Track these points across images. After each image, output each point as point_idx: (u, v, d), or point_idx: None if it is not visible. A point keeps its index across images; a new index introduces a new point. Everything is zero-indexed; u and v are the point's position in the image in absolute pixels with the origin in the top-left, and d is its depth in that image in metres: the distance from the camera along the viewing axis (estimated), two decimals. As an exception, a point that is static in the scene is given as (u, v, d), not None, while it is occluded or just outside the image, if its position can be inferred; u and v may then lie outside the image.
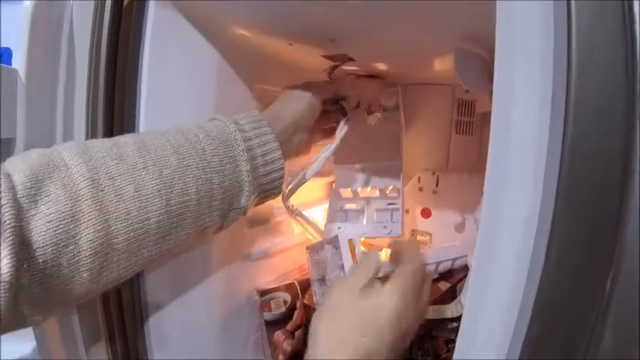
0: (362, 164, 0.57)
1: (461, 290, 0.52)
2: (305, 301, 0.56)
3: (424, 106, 0.63)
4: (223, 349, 0.52)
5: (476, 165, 0.60)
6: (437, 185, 0.59)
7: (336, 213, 0.57)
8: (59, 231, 0.27)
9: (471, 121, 0.62)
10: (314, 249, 0.52)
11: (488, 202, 0.27)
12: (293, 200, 0.54)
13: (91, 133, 0.41)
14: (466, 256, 0.52)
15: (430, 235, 0.59)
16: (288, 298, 0.56)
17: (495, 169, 0.27)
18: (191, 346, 0.48)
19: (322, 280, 0.53)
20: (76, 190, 0.29)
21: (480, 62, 0.44)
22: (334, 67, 0.54)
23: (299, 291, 0.57)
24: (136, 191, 0.31)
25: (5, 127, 0.37)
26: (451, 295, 0.53)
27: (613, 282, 0.22)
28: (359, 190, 0.56)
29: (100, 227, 0.29)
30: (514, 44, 0.26)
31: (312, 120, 0.47)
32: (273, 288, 0.56)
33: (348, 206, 0.57)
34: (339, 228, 0.54)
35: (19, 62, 0.39)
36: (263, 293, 0.55)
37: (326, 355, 0.33)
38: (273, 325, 0.55)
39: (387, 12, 0.37)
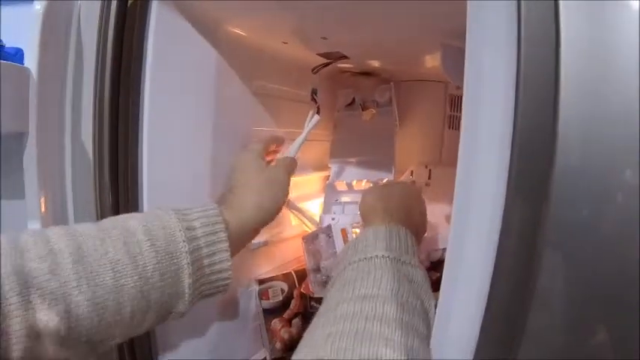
0: (356, 158, 0.60)
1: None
2: (302, 290, 0.58)
3: (418, 102, 0.65)
4: (222, 336, 0.54)
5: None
6: (429, 178, 0.61)
7: (332, 205, 0.59)
8: None
9: (463, 116, 0.64)
10: (309, 239, 0.55)
11: (459, 197, 0.29)
12: (291, 194, 0.56)
13: (98, 128, 0.43)
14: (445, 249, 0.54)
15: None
16: (286, 287, 0.58)
17: (465, 168, 0.29)
18: (190, 332, 0.51)
19: (318, 270, 0.55)
20: (8, 304, 0.28)
21: (464, 57, 0.46)
22: (325, 65, 0.56)
23: (296, 281, 0.59)
24: (66, 312, 0.30)
25: (19, 123, 0.40)
26: (440, 285, 0.55)
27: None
28: (354, 183, 0.58)
29: (29, 345, 0.29)
30: (483, 39, 0.28)
31: (281, 208, 0.47)
32: (272, 277, 0.58)
33: (343, 199, 0.59)
34: (332, 219, 0.56)
35: (31, 61, 0.42)
36: (261, 282, 0.57)
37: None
38: (270, 313, 0.57)
39: (373, 10, 0.39)
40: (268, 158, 0.52)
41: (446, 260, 0.30)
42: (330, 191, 0.60)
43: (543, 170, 0.23)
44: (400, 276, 0.34)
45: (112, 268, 0.33)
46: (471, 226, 0.28)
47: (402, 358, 0.26)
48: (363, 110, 0.61)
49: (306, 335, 0.31)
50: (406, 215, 0.44)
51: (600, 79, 0.22)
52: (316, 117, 0.53)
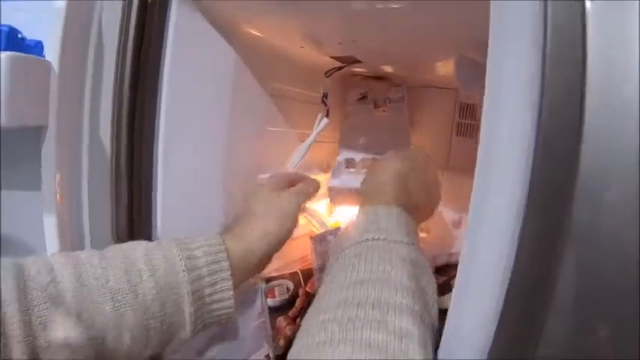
0: (367, 145, 0.60)
1: (455, 284, 0.55)
2: (307, 289, 0.59)
3: (427, 107, 0.66)
4: (227, 332, 0.54)
5: (475, 166, 0.62)
6: (436, 184, 0.62)
7: (341, 173, 0.59)
8: None
9: (472, 124, 0.65)
10: (317, 240, 0.55)
11: (475, 203, 0.29)
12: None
13: (117, 124, 0.44)
14: (452, 253, 0.55)
15: (429, 230, 0.61)
16: (292, 285, 0.59)
17: (482, 174, 0.29)
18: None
19: (324, 270, 0.56)
20: (10, 330, 0.28)
21: (478, 68, 0.47)
22: (339, 69, 0.57)
23: (302, 279, 0.60)
24: (66, 340, 0.31)
25: (38, 116, 0.40)
26: (446, 288, 0.56)
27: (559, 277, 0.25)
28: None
29: None
30: (505, 51, 0.28)
31: (286, 240, 0.46)
32: (278, 276, 0.59)
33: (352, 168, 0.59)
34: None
35: (50, 54, 0.42)
36: (268, 280, 0.58)
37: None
38: (276, 311, 0.58)
39: (391, 16, 0.40)
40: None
41: (460, 260, 0.30)
42: (339, 164, 0.59)
43: (567, 176, 0.24)
44: (392, 256, 0.33)
45: (111, 298, 0.33)
46: (487, 230, 0.29)
47: (394, 338, 0.26)
48: (375, 108, 0.62)
49: (304, 322, 0.31)
50: (402, 188, 0.42)
51: (630, 86, 0.22)
52: (325, 120, 0.54)
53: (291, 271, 0.60)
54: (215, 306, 0.40)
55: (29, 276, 0.31)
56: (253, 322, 0.59)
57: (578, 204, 0.24)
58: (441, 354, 0.31)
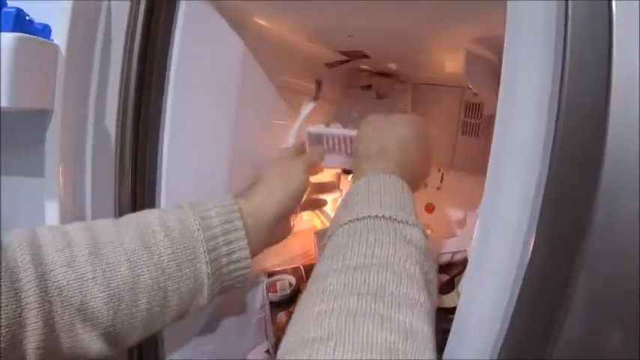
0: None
1: (459, 283, 0.55)
2: (309, 285, 0.59)
3: (433, 105, 0.66)
4: (228, 326, 0.54)
5: (480, 165, 0.62)
6: (441, 182, 0.62)
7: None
8: (8, 336, 0.27)
9: (477, 123, 0.65)
10: (322, 235, 0.55)
11: (487, 200, 0.29)
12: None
13: (122, 111, 0.43)
14: (465, 250, 0.54)
15: (432, 229, 0.61)
16: (294, 281, 0.59)
17: (495, 172, 0.29)
18: (195, 320, 0.51)
19: None
20: (25, 296, 0.28)
21: (488, 66, 0.47)
22: (343, 62, 0.57)
23: (304, 275, 0.59)
24: (82, 304, 0.30)
25: (44, 99, 0.40)
26: (449, 287, 0.55)
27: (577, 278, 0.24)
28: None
29: (45, 337, 0.29)
30: (521, 48, 0.28)
31: (299, 203, 0.45)
32: (281, 270, 0.58)
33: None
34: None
35: (58, 38, 0.41)
36: (270, 275, 0.57)
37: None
38: (277, 306, 0.57)
39: (402, 10, 0.39)
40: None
41: (470, 259, 0.30)
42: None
43: (586, 179, 0.23)
44: (396, 238, 0.30)
45: (127, 259, 0.33)
46: (498, 229, 0.29)
47: (399, 338, 0.23)
48: (377, 98, 0.62)
49: (297, 311, 0.28)
50: (405, 156, 0.40)
51: None
52: (311, 104, 0.53)
53: (294, 266, 0.60)
54: (232, 266, 0.39)
55: (44, 241, 0.31)
56: (254, 316, 0.59)
57: (598, 205, 0.23)
58: (447, 354, 0.31)
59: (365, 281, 0.26)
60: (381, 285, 0.26)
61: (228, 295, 0.52)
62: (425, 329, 0.25)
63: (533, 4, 0.27)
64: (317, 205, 0.56)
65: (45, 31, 0.42)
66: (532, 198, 0.27)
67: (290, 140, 0.53)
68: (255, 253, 0.41)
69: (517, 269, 0.27)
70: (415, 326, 0.25)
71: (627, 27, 0.23)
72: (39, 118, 0.41)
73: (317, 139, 0.51)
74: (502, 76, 0.29)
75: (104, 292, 0.31)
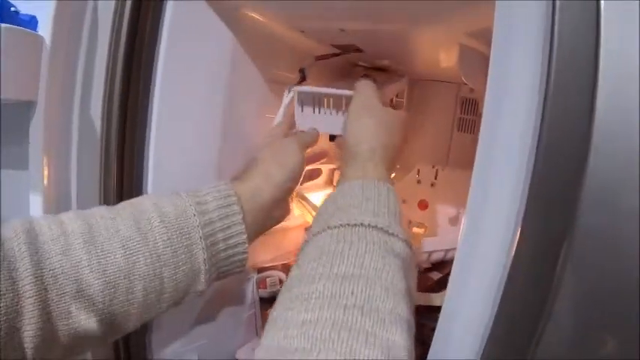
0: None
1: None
2: (300, 282, 0.58)
3: (429, 102, 0.65)
4: (216, 322, 0.54)
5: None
6: (435, 178, 0.61)
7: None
8: (5, 325, 0.27)
9: (473, 119, 0.64)
10: None
11: (473, 198, 0.29)
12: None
13: (108, 103, 0.42)
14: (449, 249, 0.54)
15: (425, 226, 0.60)
16: (284, 277, 0.58)
17: (481, 170, 0.29)
18: (184, 316, 0.50)
19: None
20: (22, 285, 0.28)
21: (482, 59, 0.46)
22: (334, 55, 0.55)
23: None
24: (78, 291, 0.30)
25: (28, 91, 0.39)
26: (442, 285, 0.55)
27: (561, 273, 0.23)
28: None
29: (41, 325, 0.29)
30: (510, 43, 0.28)
31: (296, 184, 0.45)
32: (270, 266, 0.58)
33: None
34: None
35: (44, 30, 0.41)
36: (260, 271, 0.57)
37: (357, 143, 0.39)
38: (267, 302, 0.57)
39: (392, 7, 0.39)
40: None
41: (455, 259, 0.30)
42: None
43: (572, 180, 0.23)
44: (387, 251, 0.30)
45: (122, 246, 0.33)
46: (484, 232, 0.28)
47: (382, 356, 0.23)
48: None
49: (278, 311, 0.28)
50: (393, 155, 0.41)
51: None
52: (291, 94, 0.51)
53: (284, 262, 0.59)
54: (230, 252, 0.38)
55: (40, 230, 0.31)
56: (244, 313, 0.58)
57: (583, 207, 0.23)
58: (432, 354, 0.31)
59: (352, 293, 0.26)
60: (368, 298, 0.26)
61: (217, 289, 0.53)
62: (406, 346, 0.26)
63: (523, 4, 0.26)
64: (312, 176, 0.54)
65: (31, 22, 0.42)
66: (519, 197, 0.26)
67: (277, 121, 0.51)
68: (252, 237, 0.41)
69: (503, 269, 0.26)
70: (398, 344, 0.25)
71: (615, 25, 0.22)
72: (24, 109, 0.40)
73: (306, 99, 0.49)
74: (489, 76, 0.28)
75: (100, 279, 0.31)
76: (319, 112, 0.49)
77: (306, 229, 0.55)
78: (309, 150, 0.48)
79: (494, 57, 0.28)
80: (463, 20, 0.41)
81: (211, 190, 0.39)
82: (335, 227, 0.31)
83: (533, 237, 0.25)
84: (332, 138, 0.50)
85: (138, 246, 0.33)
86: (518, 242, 0.25)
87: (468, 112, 0.63)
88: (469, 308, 0.29)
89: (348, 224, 0.31)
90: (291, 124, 0.50)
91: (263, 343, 0.26)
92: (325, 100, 0.48)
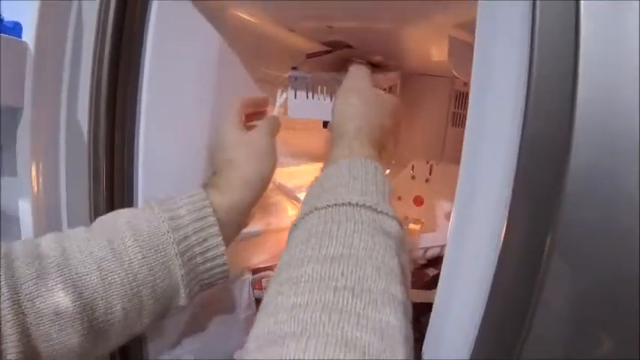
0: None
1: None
2: (296, 282, 0.58)
3: (422, 97, 0.64)
4: (213, 325, 0.53)
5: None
6: (430, 174, 0.60)
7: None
8: None
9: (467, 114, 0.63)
10: None
11: (460, 199, 0.28)
12: (290, 183, 0.56)
13: (95, 107, 0.42)
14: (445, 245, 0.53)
15: (422, 222, 0.60)
16: (280, 277, 0.58)
17: (468, 166, 0.28)
18: (181, 319, 0.50)
19: None
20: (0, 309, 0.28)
21: (472, 51, 0.45)
22: (325, 53, 0.55)
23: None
24: (56, 314, 0.30)
25: (14, 98, 0.39)
26: (437, 282, 0.54)
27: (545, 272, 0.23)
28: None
29: (22, 348, 0.29)
30: (493, 33, 0.27)
31: (269, 183, 0.44)
32: (265, 267, 0.57)
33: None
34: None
35: (29, 36, 0.41)
36: (255, 271, 0.57)
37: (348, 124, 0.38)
38: (264, 303, 0.57)
39: (378, 5, 0.38)
40: (250, 124, 0.48)
41: (444, 260, 0.29)
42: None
43: (555, 172, 0.22)
44: (376, 229, 0.29)
45: (97, 267, 0.33)
46: (472, 228, 0.28)
47: (375, 339, 0.22)
48: None
49: (268, 297, 0.27)
50: (381, 136, 0.39)
51: (624, 76, 0.21)
52: (284, 96, 0.50)
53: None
54: (208, 264, 0.38)
55: (16, 256, 0.31)
56: (241, 315, 0.58)
57: (568, 201, 0.22)
58: (425, 353, 0.30)
59: (342, 274, 0.25)
60: (359, 279, 0.25)
61: (213, 291, 0.52)
62: (401, 327, 0.24)
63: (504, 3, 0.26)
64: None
65: (15, 29, 0.42)
66: (505, 194, 0.26)
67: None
68: (229, 243, 0.40)
69: (492, 265, 0.26)
70: (392, 325, 0.24)
71: (595, 12, 0.22)
72: (9, 115, 0.40)
73: (300, 85, 0.48)
74: (473, 66, 0.28)
75: (77, 302, 0.31)
76: (312, 98, 0.48)
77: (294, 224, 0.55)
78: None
79: (477, 47, 0.28)
80: (450, 13, 0.41)
81: (185, 203, 0.38)
82: (322, 208, 0.30)
83: (520, 231, 0.25)
84: (325, 124, 0.49)
85: (112, 266, 0.33)
86: (504, 237, 0.25)
87: (462, 107, 0.63)
88: (459, 307, 0.28)
89: (336, 204, 0.30)
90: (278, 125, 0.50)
91: (253, 332, 0.25)
92: (319, 86, 0.47)
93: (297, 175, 0.60)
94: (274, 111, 0.50)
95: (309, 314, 0.23)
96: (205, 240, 0.38)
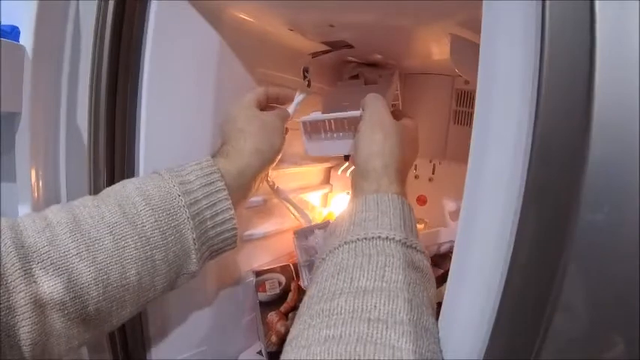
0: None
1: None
2: (299, 283, 0.57)
3: (424, 95, 0.64)
4: (217, 327, 0.53)
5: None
6: (433, 173, 0.60)
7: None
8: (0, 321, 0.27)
9: (469, 111, 0.63)
10: (302, 234, 0.53)
11: (469, 194, 0.27)
12: (291, 185, 0.55)
13: (94, 110, 0.42)
14: (453, 241, 0.53)
15: (425, 222, 0.59)
16: (283, 279, 0.57)
17: (477, 159, 0.27)
18: (184, 323, 0.50)
19: (311, 267, 0.54)
20: (11, 280, 0.27)
21: (474, 49, 0.45)
22: (326, 52, 0.54)
23: (293, 273, 0.58)
24: (70, 281, 0.30)
25: (12, 102, 0.39)
26: (442, 281, 0.54)
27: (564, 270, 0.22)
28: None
29: (36, 319, 0.28)
30: (498, 30, 0.27)
31: (278, 152, 0.44)
32: (269, 269, 0.57)
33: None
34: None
35: (27, 40, 0.40)
36: (258, 274, 0.56)
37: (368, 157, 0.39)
38: (267, 305, 0.56)
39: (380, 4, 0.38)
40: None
41: (454, 256, 0.29)
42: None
43: (570, 173, 0.21)
44: (406, 263, 0.29)
45: (110, 232, 0.32)
46: (479, 234, 0.27)
47: None
48: (365, 84, 0.60)
49: (298, 329, 0.27)
50: (405, 168, 0.41)
51: None
52: (303, 94, 0.50)
53: (283, 264, 0.58)
54: (218, 229, 0.38)
55: (24, 225, 0.30)
56: (244, 317, 0.57)
57: (584, 199, 0.21)
58: None
59: (375, 306, 0.26)
60: (392, 311, 0.26)
61: (220, 290, 0.52)
62: (434, 354, 0.25)
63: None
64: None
65: (13, 33, 0.41)
66: (517, 191, 0.25)
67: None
68: (236, 206, 0.40)
69: (503, 265, 0.25)
70: (426, 357, 0.24)
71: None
72: (7, 120, 0.40)
73: (313, 128, 0.48)
74: (480, 60, 0.27)
75: (91, 266, 0.31)
76: (327, 136, 0.49)
77: (295, 232, 0.55)
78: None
79: (484, 41, 0.27)
80: (453, 11, 0.40)
81: (194, 168, 0.38)
82: (352, 242, 0.31)
83: (531, 232, 0.24)
84: (346, 157, 0.50)
85: (126, 230, 0.33)
86: (516, 240, 0.24)
87: (464, 105, 0.62)
88: (468, 308, 0.27)
89: (365, 238, 0.30)
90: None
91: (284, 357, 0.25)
92: (333, 123, 0.48)
93: (297, 177, 0.59)
94: (291, 110, 0.49)
95: (343, 347, 0.23)
96: (215, 204, 0.38)
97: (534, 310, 0.24)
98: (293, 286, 0.57)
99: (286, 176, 0.61)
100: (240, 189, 0.41)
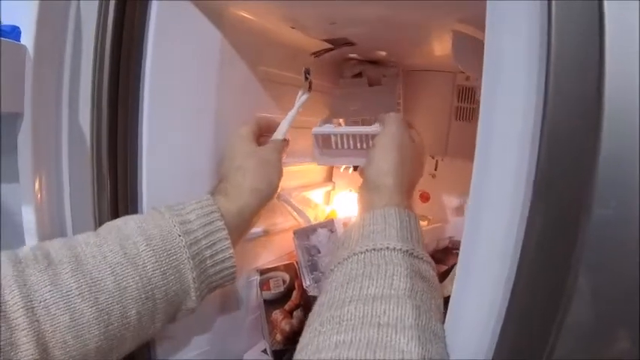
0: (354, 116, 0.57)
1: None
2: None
3: (425, 92, 0.64)
4: (222, 326, 0.53)
5: (475, 151, 0.60)
6: (435, 169, 0.60)
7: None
8: (2, 358, 0.27)
9: (471, 107, 0.63)
10: (303, 234, 0.53)
11: (475, 191, 0.27)
12: (294, 183, 0.55)
13: (97, 110, 0.42)
14: (451, 237, 0.53)
15: (428, 219, 0.59)
16: (287, 277, 0.57)
17: (482, 157, 0.28)
18: (189, 322, 0.49)
19: (314, 266, 0.54)
20: (13, 318, 0.28)
21: (476, 45, 0.45)
22: (328, 50, 0.54)
23: (298, 271, 0.58)
24: (72, 320, 0.30)
25: (14, 102, 0.39)
26: (445, 277, 0.54)
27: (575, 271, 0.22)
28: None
29: (38, 356, 0.28)
30: (503, 26, 0.26)
31: (277, 189, 0.46)
32: (273, 267, 0.57)
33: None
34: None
35: (28, 40, 0.40)
36: (263, 272, 0.56)
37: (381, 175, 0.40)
38: (271, 304, 0.56)
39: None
40: (260, 141, 0.50)
41: (460, 253, 0.29)
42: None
43: (580, 169, 0.21)
44: (414, 272, 0.30)
45: (111, 272, 0.33)
46: (486, 232, 0.27)
47: None
48: (369, 85, 0.60)
49: (309, 337, 0.28)
50: (414, 184, 0.43)
51: None
52: (305, 95, 0.50)
53: (287, 262, 0.58)
54: (218, 267, 0.39)
55: (27, 263, 0.31)
56: (249, 316, 0.57)
57: (595, 194, 0.21)
58: None
59: (385, 312, 0.26)
60: (400, 317, 0.26)
61: (221, 293, 0.52)
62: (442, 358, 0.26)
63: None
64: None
65: (14, 32, 0.41)
66: (523, 189, 0.25)
67: (281, 133, 0.50)
68: (233, 247, 0.41)
69: (511, 263, 0.25)
70: (434, 358, 0.25)
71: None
72: (9, 121, 0.39)
73: (325, 140, 0.49)
74: (485, 56, 0.27)
75: (92, 307, 0.31)
76: (339, 148, 0.49)
77: (294, 232, 0.55)
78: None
79: (489, 36, 0.27)
80: (455, 7, 0.40)
81: (194, 208, 0.39)
82: (360, 253, 0.32)
83: (540, 229, 0.24)
84: (355, 167, 0.50)
85: (127, 271, 0.33)
86: (524, 238, 0.24)
87: (466, 101, 0.62)
88: (476, 307, 0.27)
89: (374, 249, 0.32)
90: (285, 146, 0.50)
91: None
92: (345, 137, 0.48)
93: (299, 174, 0.59)
94: (293, 111, 0.49)
95: (353, 351, 0.24)
96: (214, 244, 0.38)
97: (545, 308, 0.23)
98: (297, 284, 0.57)
99: (289, 174, 0.60)
100: (239, 227, 0.42)
